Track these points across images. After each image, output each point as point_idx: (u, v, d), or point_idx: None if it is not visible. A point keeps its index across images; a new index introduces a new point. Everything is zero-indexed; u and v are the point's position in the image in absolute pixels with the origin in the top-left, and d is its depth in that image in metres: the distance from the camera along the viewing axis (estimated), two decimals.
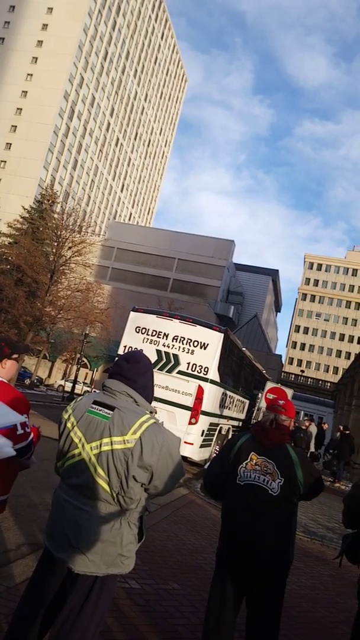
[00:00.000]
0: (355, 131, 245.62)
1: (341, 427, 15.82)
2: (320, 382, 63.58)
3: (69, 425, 2.26)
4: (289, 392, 15.34)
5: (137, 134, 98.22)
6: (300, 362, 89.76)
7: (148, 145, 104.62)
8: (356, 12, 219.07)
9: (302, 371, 75.06)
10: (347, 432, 15.40)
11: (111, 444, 2.12)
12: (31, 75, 73.66)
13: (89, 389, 39.88)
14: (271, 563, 2.70)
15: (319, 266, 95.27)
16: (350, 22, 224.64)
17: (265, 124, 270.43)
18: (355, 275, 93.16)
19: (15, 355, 2.72)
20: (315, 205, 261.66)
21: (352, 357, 40.70)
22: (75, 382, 32.23)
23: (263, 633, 2.70)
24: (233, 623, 2.78)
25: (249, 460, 2.84)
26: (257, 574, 2.70)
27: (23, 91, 73.53)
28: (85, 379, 45.10)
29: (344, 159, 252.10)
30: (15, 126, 72.71)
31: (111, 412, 2.18)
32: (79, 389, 36.14)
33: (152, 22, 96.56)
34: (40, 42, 74.20)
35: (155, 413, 2.34)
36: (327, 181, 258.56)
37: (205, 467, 11.45)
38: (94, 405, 2.23)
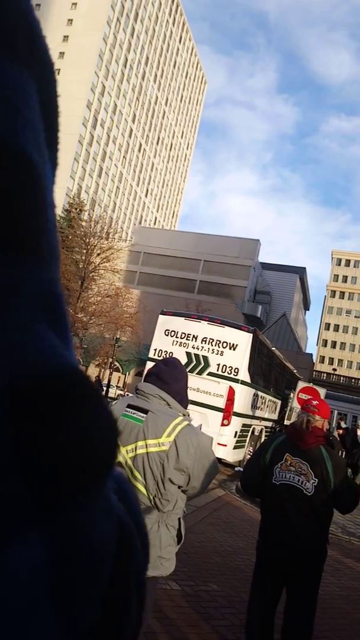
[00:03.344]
0: None
1: None
2: (353, 380, 62.40)
3: None
4: (322, 392, 15.11)
5: (159, 138, 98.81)
6: (331, 361, 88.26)
7: (170, 149, 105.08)
8: None
9: (334, 369, 73.82)
10: None
11: (146, 447, 2.16)
12: None
13: (122, 392, 40.25)
14: (307, 557, 2.85)
15: (347, 262, 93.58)
16: None
17: (291, 123, 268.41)
18: None
19: None
20: (343, 202, 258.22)
21: None
22: (108, 386, 32.57)
23: (301, 619, 2.90)
24: (273, 609, 2.99)
25: (283, 461, 2.95)
26: (294, 567, 2.86)
27: None
28: (118, 382, 45.52)
29: None
30: None
31: (145, 415, 2.22)
32: (112, 392, 36.55)
33: (170, 27, 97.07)
34: (62, 54, 75.51)
35: (189, 415, 2.38)
36: (356, 176, 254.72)
37: (239, 468, 11.43)
38: (128, 409, 2.27)
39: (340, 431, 15.34)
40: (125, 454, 2.20)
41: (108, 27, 76.74)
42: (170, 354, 11.01)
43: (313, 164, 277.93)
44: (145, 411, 2.23)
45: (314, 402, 3.08)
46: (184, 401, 2.40)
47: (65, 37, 76.03)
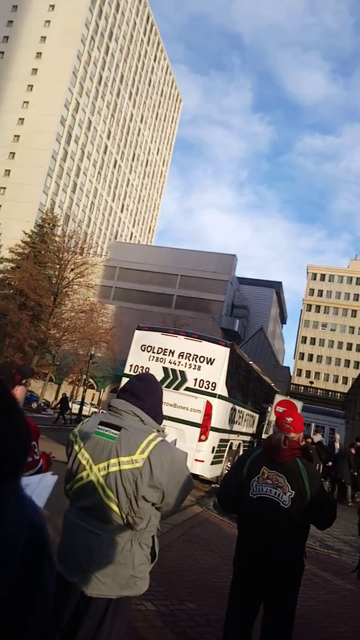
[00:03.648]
0: (355, 143, 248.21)
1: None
2: (330, 392, 63.10)
3: (76, 447, 2.25)
4: (299, 405, 15.17)
5: (134, 155, 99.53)
6: (308, 374, 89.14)
7: (146, 166, 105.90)
8: (352, 28, 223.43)
9: (311, 382, 74.57)
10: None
11: (119, 465, 2.11)
12: (27, 102, 75.04)
13: (96, 410, 39.73)
14: (284, 570, 2.83)
15: (322, 276, 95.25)
16: (346, 38, 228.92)
17: (266, 141, 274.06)
18: (359, 284, 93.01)
19: (24, 381, 2.75)
20: (318, 218, 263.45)
21: None
22: (82, 403, 32.12)
23: (278, 634, 2.87)
24: (251, 625, 2.95)
25: (260, 474, 2.94)
26: (270, 580, 2.84)
27: (20, 118, 74.86)
28: (92, 400, 44.96)
29: (345, 171, 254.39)
30: (14, 153, 73.87)
31: (118, 432, 2.17)
32: (86, 410, 36.02)
33: (145, 46, 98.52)
34: (35, 70, 75.75)
35: (164, 431, 2.34)
36: (330, 193, 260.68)
37: (215, 485, 11.34)
38: (100, 426, 2.22)
39: (314, 446, 15.36)
40: (97, 472, 2.14)
41: (82, 45, 77.41)
42: (147, 370, 10.92)
43: (288, 181, 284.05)
44: (118, 428, 2.18)
45: (288, 420, 3.07)
46: (159, 417, 2.35)
47: (39, 54, 76.36)
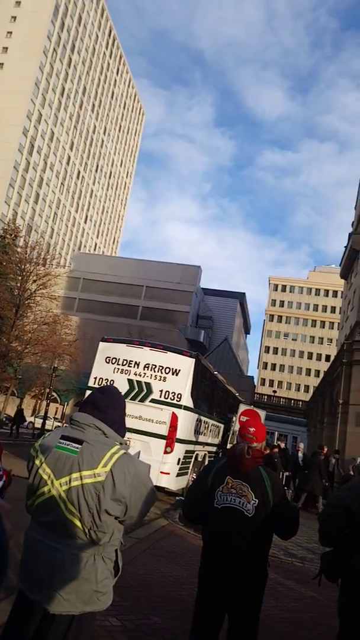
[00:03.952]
0: (313, 159, 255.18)
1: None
2: (292, 401, 64.09)
3: (37, 462, 2.23)
4: (262, 414, 15.34)
5: (98, 166, 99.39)
6: (272, 383, 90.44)
7: (110, 177, 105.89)
8: (309, 48, 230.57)
9: (275, 391, 75.58)
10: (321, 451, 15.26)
11: (81, 479, 2.10)
12: None
13: (60, 424, 39.02)
14: (248, 579, 2.85)
15: (284, 287, 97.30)
16: (303, 57, 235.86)
17: (228, 155, 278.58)
18: (319, 295, 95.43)
19: None
20: (279, 230, 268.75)
21: (322, 375, 41.42)
22: (45, 417, 31.50)
23: None
24: (216, 636, 2.94)
25: (224, 484, 2.97)
26: (235, 590, 2.85)
27: None
28: (55, 414, 44.16)
29: (304, 186, 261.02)
30: None
31: (80, 446, 2.16)
32: (49, 424, 35.30)
33: (107, 59, 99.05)
34: None
35: (127, 444, 2.34)
36: (290, 207, 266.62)
37: (180, 497, 11.31)
38: (62, 440, 2.20)
39: (276, 450, 15.50)
40: (58, 487, 2.12)
41: (44, 57, 77.15)
42: (112, 382, 10.83)
43: (250, 194, 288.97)
44: (80, 442, 2.17)
45: (251, 430, 3.11)
46: (122, 430, 2.35)
47: (0, 65, 75.63)
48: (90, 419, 2.24)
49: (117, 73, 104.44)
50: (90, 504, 2.07)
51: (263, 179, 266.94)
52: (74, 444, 2.17)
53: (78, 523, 2.09)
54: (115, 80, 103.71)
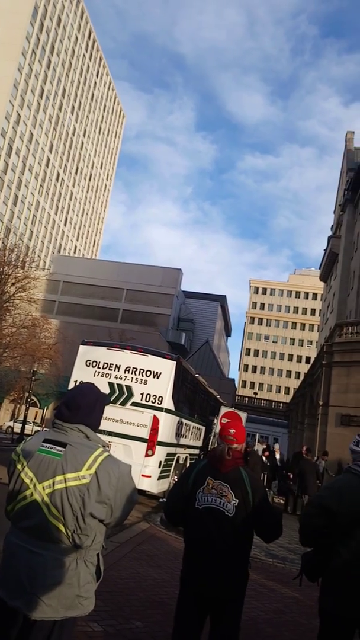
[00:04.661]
0: (293, 163, 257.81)
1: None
2: (273, 403, 64.52)
3: (19, 466, 2.20)
4: (243, 416, 15.42)
5: (77, 168, 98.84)
6: (253, 385, 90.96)
7: (90, 179, 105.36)
8: (289, 53, 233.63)
9: (255, 393, 75.96)
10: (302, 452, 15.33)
11: (65, 482, 2.08)
12: None
13: (39, 428, 38.55)
14: (229, 580, 2.87)
15: (264, 290, 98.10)
16: (284, 62, 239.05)
17: (209, 159, 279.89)
18: (299, 297, 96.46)
19: None
20: (260, 234, 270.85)
21: (302, 377, 41.86)
22: (24, 422, 31.08)
23: None
24: (197, 638, 2.94)
25: (205, 485, 2.99)
26: (216, 591, 2.86)
27: None
28: (35, 418, 43.61)
29: (284, 190, 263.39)
30: None
31: (63, 449, 2.15)
32: (29, 429, 34.82)
33: (87, 61, 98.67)
34: None
35: (109, 447, 2.33)
36: (270, 211, 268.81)
37: (163, 500, 11.28)
38: (44, 444, 2.19)
39: (267, 453, 15.56)
40: (41, 490, 2.10)
41: (23, 58, 76.49)
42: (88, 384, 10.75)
43: (231, 198, 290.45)
44: (63, 445, 2.16)
45: (231, 431, 3.13)
46: (94, 420, 2.32)
47: None
48: (74, 422, 2.23)
49: (97, 75, 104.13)
50: (74, 507, 2.06)
51: (244, 182, 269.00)
52: (57, 447, 2.16)
53: (61, 527, 2.07)
54: (95, 83, 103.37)
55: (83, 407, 2.27)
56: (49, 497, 2.09)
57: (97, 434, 2.31)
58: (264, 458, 14.26)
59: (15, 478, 2.20)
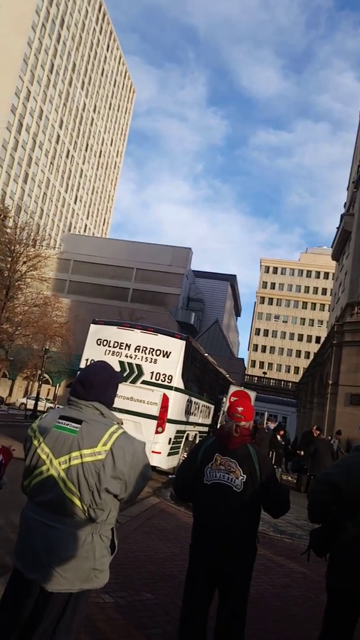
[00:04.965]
0: (307, 139, 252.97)
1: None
2: (282, 382, 64.68)
3: (35, 442, 2.24)
4: (252, 395, 15.49)
5: (87, 145, 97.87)
6: (262, 364, 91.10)
7: (100, 156, 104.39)
8: (304, 26, 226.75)
9: (265, 373, 76.17)
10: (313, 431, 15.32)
11: (81, 457, 2.13)
12: None
13: (52, 405, 39.10)
14: (237, 554, 2.93)
15: (275, 269, 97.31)
16: (298, 35, 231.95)
17: (220, 135, 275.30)
18: (310, 277, 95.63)
19: None
20: (272, 212, 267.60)
21: (312, 356, 41.79)
22: (37, 399, 31.54)
23: (233, 618, 2.95)
24: (206, 611, 3.02)
25: (213, 461, 3.05)
26: (225, 565, 2.92)
27: None
28: (47, 395, 44.21)
29: (297, 167, 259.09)
30: None
31: (79, 425, 2.18)
32: (41, 406, 35.32)
33: (97, 35, 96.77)
34: None
35: (122, 424, 2.37)
36: (283, 188, 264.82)
37: (172, 476, 11.47)
38: (60, 420, 2.23)
39: (282, 432, 15.49)
40: (58, 466, 2.15)
41: (33, 32, 75.20)
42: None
43: (243, 175, 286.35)
44: (78, 421, 2.20)
45: (239, 409, 3.17)
46: (109, 398, 2.36)
47: None
48: (89, 399, 2.27)
49: (108, 49, 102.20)
50: (90, 482, 2.11)
51: (256, 159, 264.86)
52: (73, 424, 2.20)
53: (77, 501, 2.12)
54: (106, 57, 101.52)
55: (97, 385, 2.30)
56: (65, 473, 2.13)
57: (111, 411, 2.34)
58: (278, 437, 14.28)
59: (31, 454, 2.24)
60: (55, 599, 2.13)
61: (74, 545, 2.11)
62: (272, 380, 64.77)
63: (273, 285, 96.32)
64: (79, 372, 2.47)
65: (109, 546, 2.24)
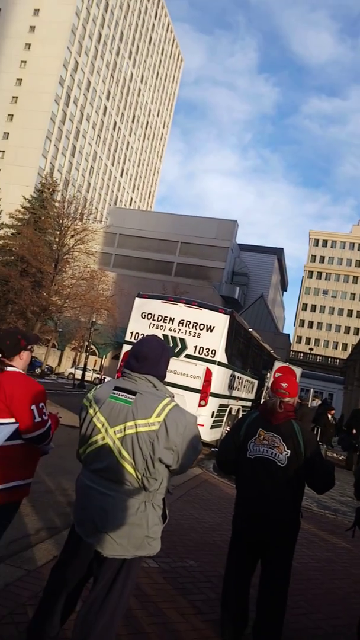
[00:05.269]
0: None
1: None
2: (329, 359, 63.54)
3: (91, 411, 2.32)
4: (298, 371, 15.27)
5: (134, 116, 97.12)
6: (308, 340, 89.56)
7: (146, 128, 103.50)
8: None
9: (311, 349, 74.99)
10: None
11: (136, 427, 2.19)
12: (25, 62, 72.77)
13: (98, 375, 40.18)
14: (280, 527, 2.95)
15: (325, 242, 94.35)
16: None
17: (271, 103, 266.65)
18: None
19: (29, 347, 2.82)
20: (323, 182, 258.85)
21: None
22: (85, 369, 32.46)
23: (275, 589, 2.98)
24: (248, 581, 3.08)
25: (257, 436, 3.06)
26: (268, 538, 2.95)
27: (18, 79, 72.75)
28: (94, 366, 45.43)
29: (351, 135, 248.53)
30: (12, 115, 72.11)
31: (133, 396, 2.25)
32: (88, 376, 36.38)
33: (145, 2, 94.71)
34: (32, 28, 73.15)
35: (174, 397, 2.40)
36: (335, 157, 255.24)
37: (215, 449, 11.58)
38: (115, 391, 2.30)
39: (332, 411, 15.28)
40: (113, 435, 2.22)
41: (81, 2, 74.46)
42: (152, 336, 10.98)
43: (293, 144, 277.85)
44: (133, 393, 2.26)
45: (283, 385, 3.15)
46: (162, 376, 2.42)
47: (37, 11, 73.58)
48: (142, 372, 2.33)
49: (156, 17, 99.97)
50: (144, 451, 2.17)
51: (308, 127, 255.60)
52: (127, 395, 2.26)
53: (131, 469, 2.18)
54: (154, 25, 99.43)
55: (150, 359, 2.35)
56: (120, 441, 2.20)
57: (164, 385, 2.39)
58: (329, 416, 14.07)
59: (87, 423, 2.32)
60: (109, 564, 2.21)
61: (128, 513, 2.18)
62: (318, 357, 63.74)
63: (322, 259, 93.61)
64: (131, 346, 2.52)
65: (161, 515, 2.30)
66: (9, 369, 2.68)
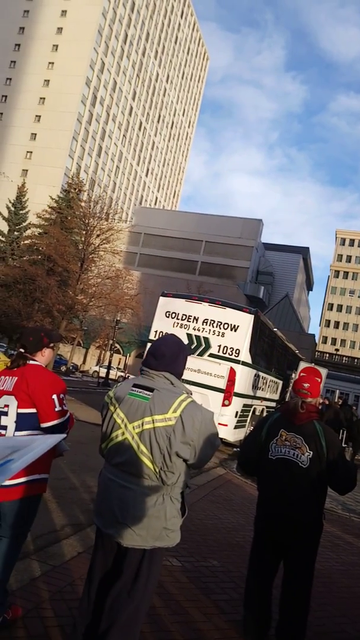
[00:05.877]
0: None
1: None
2: (355, 360, 62.47)
3: (111, 408, 2.40)
4: (323, 372, 15.10)
5: (159, 116, 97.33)
6: (334, 341, 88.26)
7: (171, 127, 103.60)
8: None
9: (337, 350, 73.87)
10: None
11: (153, 422, 2.25)
12: (52, 63, 73.63)
13: (122, 374, 40.46)
14: (303, 529, 2.93)
15: (352, 242, 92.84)
16: None
17: (298, 101, 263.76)
18: None
19: (52, 344, 2.92)
20: (351, 180, 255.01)
21: None
22: (109, 367, 32.72)
23: (297, 591, 2.96)
24: (271, 582, 3.07)
25: (278, 436, 3.05)
26: (290, 539, 2.94)
27: (45, 80, 73.66)
28: (118, 364, 45.76)
29: None
30: (40, 116, 73.10)
31: (151, 393, 2.32)
32: (113, 374, 36.67)
33: (171, 1, 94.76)
34: (60, 29, 73.94)
35: (191, 394, 2.44)
36: None
37: (238, 448, 11.55)
38: (134, 388, 2.37)
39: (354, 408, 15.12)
40: (131, 430, 2.29)
41: (107, 2, 74.97)
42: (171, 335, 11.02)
43: (320, 142, 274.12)
44: (150, 389, 2.33)
45: (305, 385, 3.12)
46: (180, 374, 2.48)
47: (64, 12, 74.31)
48: (160, 369, 2.39)
49: (182, 16, 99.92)
50: (162, 445, 2.23)
51: (336, 125, 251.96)
52: (145, 391, 2.34)
53: (149, 463, 2.25)
54: (180, 24, 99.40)
55: (168, 356, 2.41)
56: (138, 436, 2.27)
57: (181, 382, 2.45)
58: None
59: (108, 419, 2.41)
60: (131, 555, 2.29)
61: (146, 505, 2.26)
62: (344, 358, 62.75)
63: (349, 259, 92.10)
64: (150, 345, 2.57)
65: (180, 509, 2.36)
66: (31, 362, 2.78)
